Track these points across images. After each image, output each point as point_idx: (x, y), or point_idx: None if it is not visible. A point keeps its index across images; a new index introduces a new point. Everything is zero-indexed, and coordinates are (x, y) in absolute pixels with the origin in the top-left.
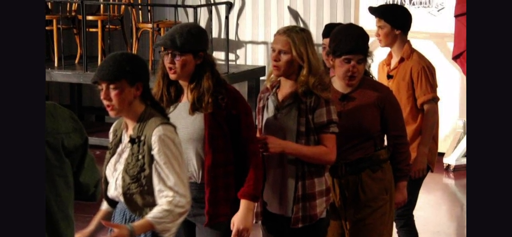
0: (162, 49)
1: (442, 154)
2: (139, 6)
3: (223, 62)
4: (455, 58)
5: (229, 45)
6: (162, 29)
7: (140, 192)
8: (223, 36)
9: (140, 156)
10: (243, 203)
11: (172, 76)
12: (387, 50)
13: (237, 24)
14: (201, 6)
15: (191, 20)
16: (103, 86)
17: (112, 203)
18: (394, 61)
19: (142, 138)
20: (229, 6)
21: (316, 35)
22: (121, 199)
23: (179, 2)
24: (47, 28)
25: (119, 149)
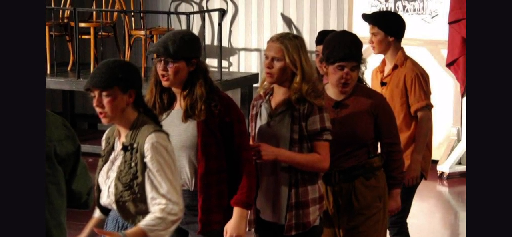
0: (155, 56)
1: (435, 162)
2: (132, 13)
3: (216, 69)
4: (449, 65)
5: (222, 52)
6: (154, 36)
7: (132, 199)
8: (216, 43)
9: (132, 164)
10: (236, 210)
11: (165, 83)
12: (381, 57)
13: (230, 31)
14: (194, 13)
15: (184, 27)
16: (96, 93)
17: (105, 210)
18: (388, 68)
19: (135, 145)
20: (222, 13)
21: (310, 42)
22: (114, 206)
23: (172, 9)
24: None
25: (111, 157)
